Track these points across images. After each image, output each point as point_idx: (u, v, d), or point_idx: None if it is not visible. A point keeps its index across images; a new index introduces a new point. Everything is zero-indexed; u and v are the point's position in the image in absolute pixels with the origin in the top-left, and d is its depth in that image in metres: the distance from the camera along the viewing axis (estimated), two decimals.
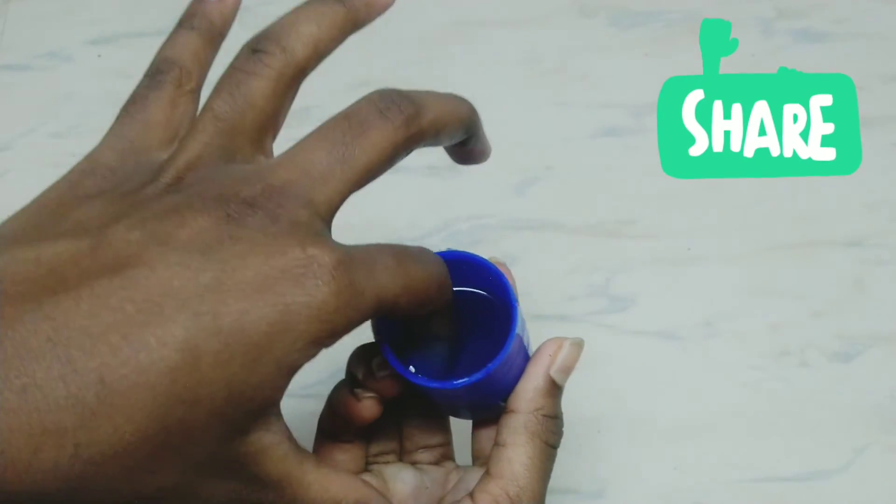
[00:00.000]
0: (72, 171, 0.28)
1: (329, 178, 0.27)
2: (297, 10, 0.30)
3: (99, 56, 0.62)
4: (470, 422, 0.38)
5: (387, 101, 0.28)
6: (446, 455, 0.37)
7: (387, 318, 0.32)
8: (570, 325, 0.53)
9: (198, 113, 0.29)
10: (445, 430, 0.37)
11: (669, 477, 0.50)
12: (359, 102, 0.28)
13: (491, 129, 0.63)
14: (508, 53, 0.62)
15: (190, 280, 0.24)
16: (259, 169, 0.27)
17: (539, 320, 0.53)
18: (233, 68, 0.28)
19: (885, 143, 0.58)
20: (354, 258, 0.26)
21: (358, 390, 0.33)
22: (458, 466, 0.37)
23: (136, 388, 0.23)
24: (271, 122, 0.28)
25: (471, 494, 0.32)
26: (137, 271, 0.23)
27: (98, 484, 0.23)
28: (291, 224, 0.25)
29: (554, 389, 0.34)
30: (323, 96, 0.61)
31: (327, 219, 0.27)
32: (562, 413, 0.35)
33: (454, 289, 0.32)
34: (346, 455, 0.35)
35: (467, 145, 0.33)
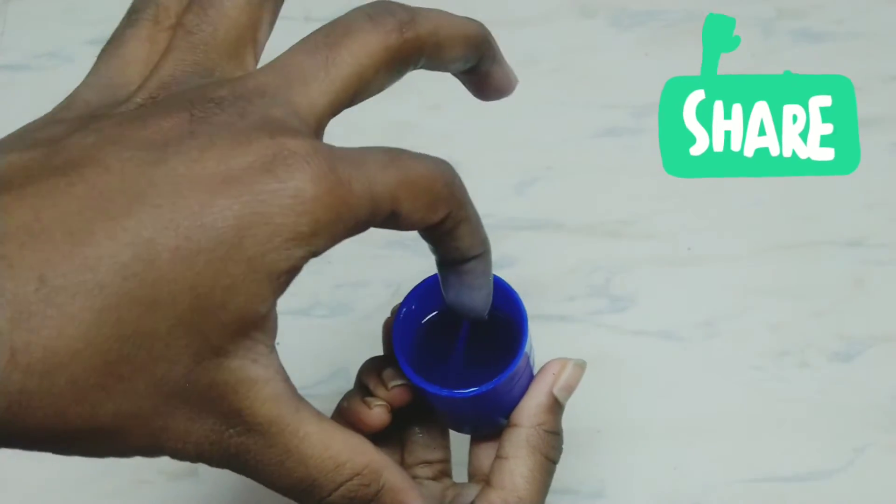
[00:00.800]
0: (51, 110, 0.26)
1: (310, 80, 0.24)
2: None
3: None
4: (467, 443, 0.38)
5: (378, 7, 0.26)
6: (445, 472, 0.38)
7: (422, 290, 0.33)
8: (570, 325, 0.53)
9: None
10: (446, 447, 0.38)
11: (669, 477, 0.50)
12: (348, 12, 0.26)
13: (491, 129, 0.63)
14: (508, 53, 0.62)
15: (143, 174, 0.21)
16: (234, 77, 0.25)
17: (539, 320, 0.53)
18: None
19: (884, 143, 0.58)
20: (335, 150, 0.23)
21: (369, 399, 0.34)
22: (455, 483, 0.38)
23: (82, 286, 0.20)
24: (248, 33, 0.26)
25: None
26: (87, 169, 0.21)
27: (42, 401, 0.20)
28: (262, 119, 0.23)
29: (556, 407, 0.35)
30: None
31: (310, 122, 0.24)
32: (562, 430, 0.36)
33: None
34: None
35: (482, 68, 0.30)
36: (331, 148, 0.23)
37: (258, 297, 0.22)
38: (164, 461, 0.45)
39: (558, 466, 0.47)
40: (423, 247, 0.56)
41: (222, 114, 0.23)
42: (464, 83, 0.31)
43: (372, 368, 0.35)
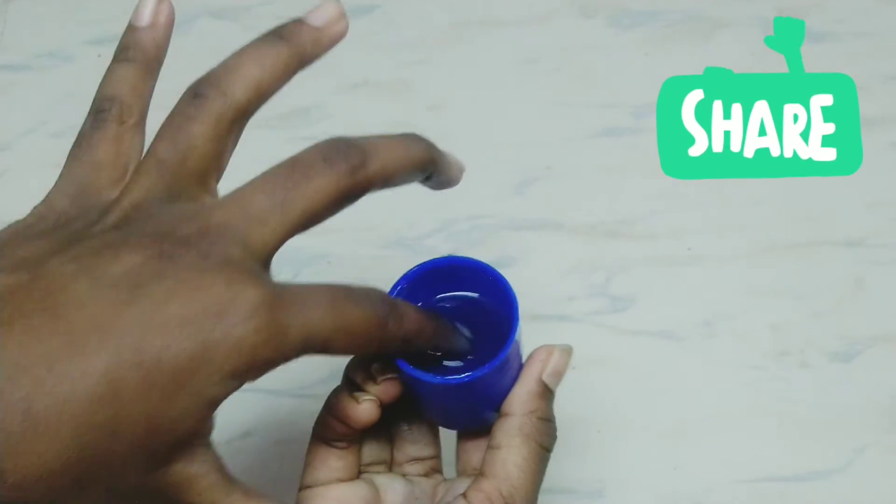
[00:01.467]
0: (28, 214, 0.29)
1: (267, 221, 0.27)
2: (240, 52, 0.30)
3: (99, 56, 0.62)
4: (454, 442, 0.38)
5: (333, 150, 0.29)
6: (435, 468, 0.38)
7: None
8: (570, 325, 0.53)
9: (144, 148, 0.30)
10: (436, 444, 0.38)
11: (669, 477, 0.50)
12: (306, 149, 0.29)
13: (491, 129, 0.63)
14: (508, 53, 0.62)
15: (116, 316, 0.25)
16: (199, 208, 0.28)
17: (539, 320, 0.53)
18: (174, 112, 0.29)
19: (885, 143, 0.58)
20: (283, 296, 0.26)
21: (357, 393, 0.34)
22: (446, 480, 0.38)
23: (59, 417, 0.24)
24: (214, 163, 0.29)
25: (464, 494, 0.33)
26: (68, 307, 0.25)
27: None
28: (222, 262, 0.26)
29: (547, 393, 0.35)
30: (323, 96, 0.61)
31: (263, 259, 0.27)
32: (554, 417, 0.35)
33: (456, 294, 0.34)
34: (341, 462, 0.35)
35: (430, 180, 0.34)
36: (277, 292, 0.26)
37: (200, 420, 0.26)
38: None
39: (559, 466, 0.47)
40: (423, 247, 0.56)
41: (187, 255, 0.26)
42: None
43: (360, 363, 0.35)
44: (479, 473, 0.34)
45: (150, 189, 0.28)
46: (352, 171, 0.28)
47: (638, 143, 0.59)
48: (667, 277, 0.55)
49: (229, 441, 0.50)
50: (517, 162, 0.58)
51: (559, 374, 0.35)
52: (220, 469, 0.28)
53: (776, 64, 0.61)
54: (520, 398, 0.34)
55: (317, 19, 0.32)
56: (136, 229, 0.27)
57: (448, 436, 0.39)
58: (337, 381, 0.35)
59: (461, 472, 0.38)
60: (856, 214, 0.56)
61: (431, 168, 0.33)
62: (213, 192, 0.29)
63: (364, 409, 0.33)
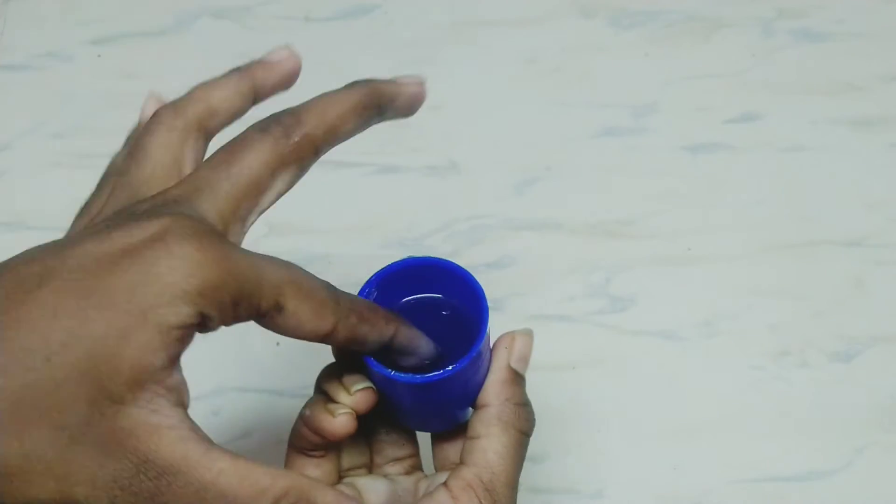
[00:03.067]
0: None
1: (215, 189, 0.28)
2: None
3: (99, 56, 0.62)
4: (430, 439, 0.38)
5: (268, 119, 0.30)
6: (415, 465, 0.38)
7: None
8: (570, 325, 0.53)
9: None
10: (413, 442, 0.38)
11: (669, 477, 0.50)
12: (246, 129, 0.30)
13: (491, 129, 0.63)
14: (508, 53, 0.62)
15: (58, 257, 0.25)
16: (154, 195, 0.29)
17: (539, 320, 0.53)
18: None
19: (885, 143, 0.58)
20: (232, 242, 0.27)
21: (332, 406, 0.34)
22: (426, 475, 0.38)
23: None
24: (174, 169, 0.30)
25: (444, 483, 0.33)
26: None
27: None
28: (173, 215, 0.26)
29: (518, 378, 0.35)
30: None
31: (216, 223, 0.28)
32: (530, 402, 0.36)
33: (425, 295, 0.35)
34: (320, 470, 0.36)
35: (387, 115, 0.33)
36: (227, 239, 0.27)
37: (149, 347, 0.25)
38: None
39: (559, 466, 0.47)
40: (423, 247, 0.56)
41: (139, 220, 0.26)
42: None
43: (331, 374, 0.35)
44: (460, 463, 0.34)
45: (114, 202, 0.30)
46: (286, 132, 0.29)
47: (638, 143, 0.59)
48: (667, 277, 0.55)
49: (229, 441, 0.50)
50: (517, 162, 0.58)
51: (526, 359, 0.36)
52: (196, 430, 0.26)
53: (776, 64, 0.61)
54: (493, 387, 0.35)
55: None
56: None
57: (422, 436, 0.39)
58: (307, 400, 0.36)
59: (440, 468, 0.38)
60: (856, 214, 0.56)
61: (378, 106, 0.33)
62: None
63: (340, 422, 0.33)
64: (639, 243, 0.56)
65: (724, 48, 0.62)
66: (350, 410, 0.33)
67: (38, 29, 0.64)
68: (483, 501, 0.33)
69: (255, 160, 0.29)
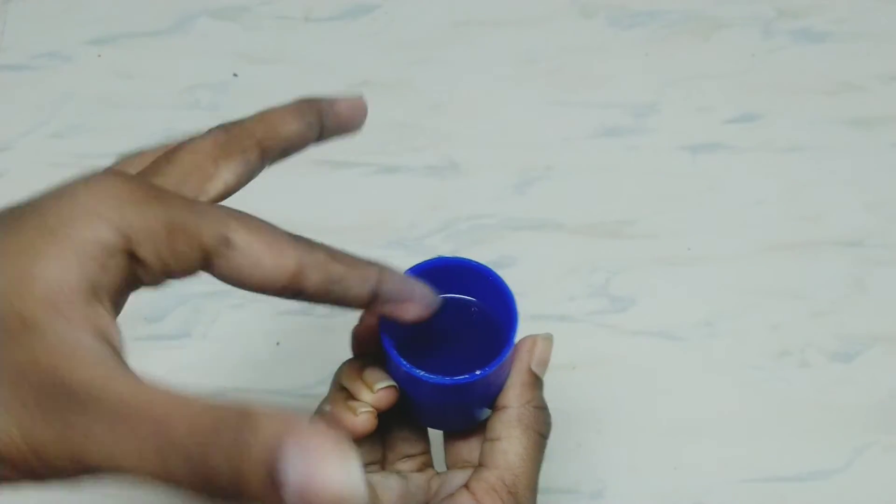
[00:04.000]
0: None
1: (159, 173, 0.27)
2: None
3: (99, 56, 0.62)
4: (441, 438, 0.38)
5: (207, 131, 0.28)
6: (427, 463, 0.38)
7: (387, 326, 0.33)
8: (570, 325, 0.53)
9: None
10: (425, 439, 0.38)
11: (669, 477, 0.50)
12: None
13: (491, 129, 0.63)
14: (508, 53, 0.62)
15: None
16: None
17: (539, 320, 0.53)
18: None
19: (885, 143, 0.58)
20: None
21: (353, 404, 0.34)
22: (438, 473, 0.38)
23: None
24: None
25: (466, 486, 0.33)
26: None
27: None
28: (104, 171, 0.26)
29: (537, 382, 0.36)
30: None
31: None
32: (547, 405, 0.36)
33: (455, 295, 0.35)
34: None
35: (330, 122, 0.32)
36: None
37: (61, 262, 0.22)
38: None
39: (559, 466, 0.47)
40: (423, 247, 0.56)
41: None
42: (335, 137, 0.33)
43: (352, 371, 0.35)
44: (480, 465, 0.34)
45: None
46: (225, 129, 0.28)
47: (638, 143, 0.59)
48: (667, 277, 0.55)
49: None
50: (517, 162, 0.58)
51: (545, 363, 0.36)
52: (118, 356, 0.23)
53: (776, 64, 0.61)
54: (514, 390, 0.35)
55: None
56: None
57: (435, 431, 0.39)
58: (322, 400, 0.36)
59: (452, 466, 0.38)
60: (856, 214, 0.56)
61: (318, 111, 0.31)
62: None
63: (362, 420, 0.33)
64: (639, 243, 0.56)
65: (724, 48, 0.62)
66: (372, 409, 0.33)
67: (38, 29, 0.64)
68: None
69: (196, 150, 0.28)
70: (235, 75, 0.59)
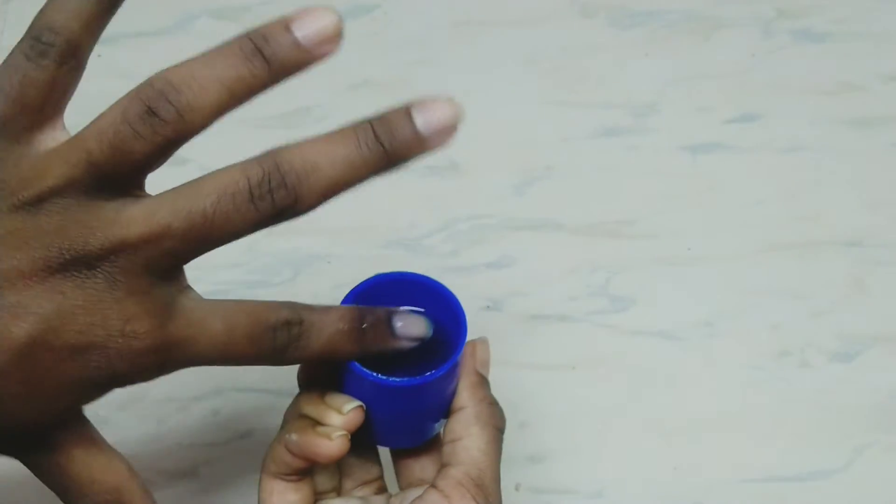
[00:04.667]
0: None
1: (176, 241, 0.28)
2: (210, 61, 0.28)
3: (99, 56, 0.62)
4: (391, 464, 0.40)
5: (262, 184, 0.28)
6: (383, 487, 0.39)
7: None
8: (570, 325, 0.53)
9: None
10: (378, 463, 0.40)
11: (669, 477, 0.50)
12: (231, 170, 0.28)
13: (491, 129, 0.63)
14: (508, 53, 0.62)
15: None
16: (115, 217, 0.28)
17: (539, 320, 0.53)
18: (123, 121, 0.28)
19: (885, 143, 0.58)
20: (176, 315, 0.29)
21: (325, 429, 0.34)
22: (392, 494, 0.39)
23: None
24: (147, 168, 0.29)
25: (433, 485, 0.34)
26: None
27: None
28: (126, 291, 0.28)
29: (484, 382, 0.37)
30: (323, 96, 0.61)
31: (169, 277, 0.29)
32: (497, 401, 0.37)
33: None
34: (299, 494, 0.36)
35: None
36: (170, 313, 0.30)
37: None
38: (165, 460, 0.45)
39: (559, 466, 0.47)
40: (423, 247, 0.56)
41: (91, 279, 0.28)
42: None
43: (313, 398, 0.35)
44: (444, 465, 0.35)
45: (72, 181, 0.28)
46: (277, 213, 0.29)
47: (638, 143, 0.59)
48: (667, 277, 0.55)
49: (229, 441, 0.50)
50: (517, 162, 0.58)
51: (487, 363, 0.37)
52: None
53: (776, 64, 0.61)
54: (466, 391, 0.36)
55: (307, 33, 0.28)
56: (45, 222, 0.27)
57: (386, 458, 0.40)
58: (283, 430, 0.36)
59: (406, 486, 0.39)
60: (856, 214, 0.56)
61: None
62: (138, 192, 0.29)
63: (338, 444, 0.34)
64: (639, 243, 0.56)
65: (724, 48, 0.62)
66: (345, 431, 0.34)
67: None
68: (476, 497, 0.34)
69: (231, 227, 0.29)
70: None
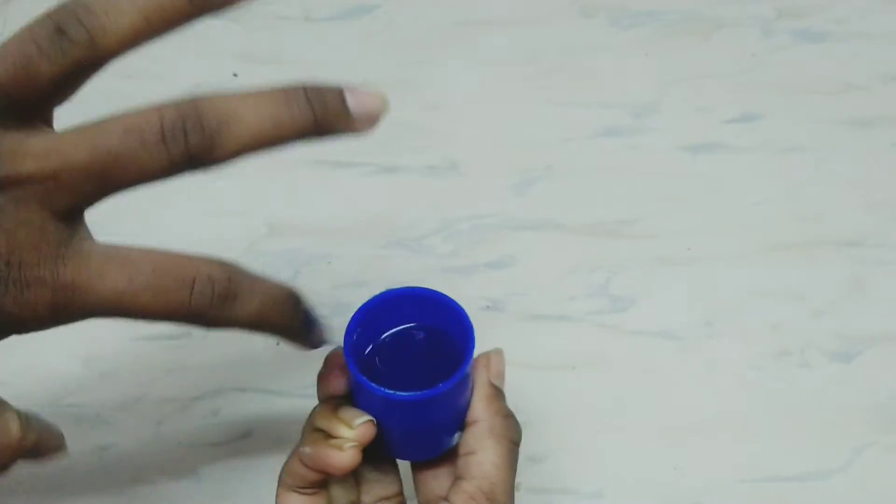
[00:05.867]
0: None
1: (78, 183, 0.27)
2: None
3: None
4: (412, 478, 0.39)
5: (176, 125, 0.27)
6: (402, 503, 0.39)
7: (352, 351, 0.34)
8: (570, 325, 0.53)
9: None
10: (398, 479, 0.39)
11: (669, 477, 0.50)
12: (146, 110, 0.27)
13: (491, 129, 0.63)
14: (508, 53, 0.62)
15: None
16: (17, 147, 0.27)
17: (539, 320, 0.53)
18: (29, 38, 0.27)
19: (885, 143, 0.58)
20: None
21: (337, 441, 0.34)
22: None
23: None
24: (54, 97, 0.28)
25: (446, 498, 0.34)
26: None
27: None
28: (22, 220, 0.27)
29: (499, 394, 0.37)
30: None
31: (67, 217, 0.28)
32: (513, 413, 0.37)
33: (407, 326, 0.36)
34: None
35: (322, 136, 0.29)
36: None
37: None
38: (165, 460, 0.45)
39: (559, 466, 0.47)
40: (423, 247, 0.56)
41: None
42: None
43: (327, 412, 0.35)
44: (457, 478, 0.35)
45: None
46: (189, 157, 0.27)
47: (638, 143, 0.59)
48: (667, 277, 0.55)
49: (229, 441, 0.50)
50: (517, 162, 0.58)
51: (502, 374, 0.37)
52: None
53: (776, 64, 0.61)
54: (480, 404, 0.36)
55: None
56: None
57: (406, 473, 0.40)
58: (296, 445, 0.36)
59: (425, 502, 0.39)
60: (856, 214, 0.56)
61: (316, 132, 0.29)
62: (43, 126, 0.29)
63: (350, 455, 0.34)
64: (639, 243, 0.56)
65: (724, 48, 0.62)
66: (356, 443, 0.34)
67: None
68: None
69: (137, 173, 0.28)
70: (235, 75, 0.59)
